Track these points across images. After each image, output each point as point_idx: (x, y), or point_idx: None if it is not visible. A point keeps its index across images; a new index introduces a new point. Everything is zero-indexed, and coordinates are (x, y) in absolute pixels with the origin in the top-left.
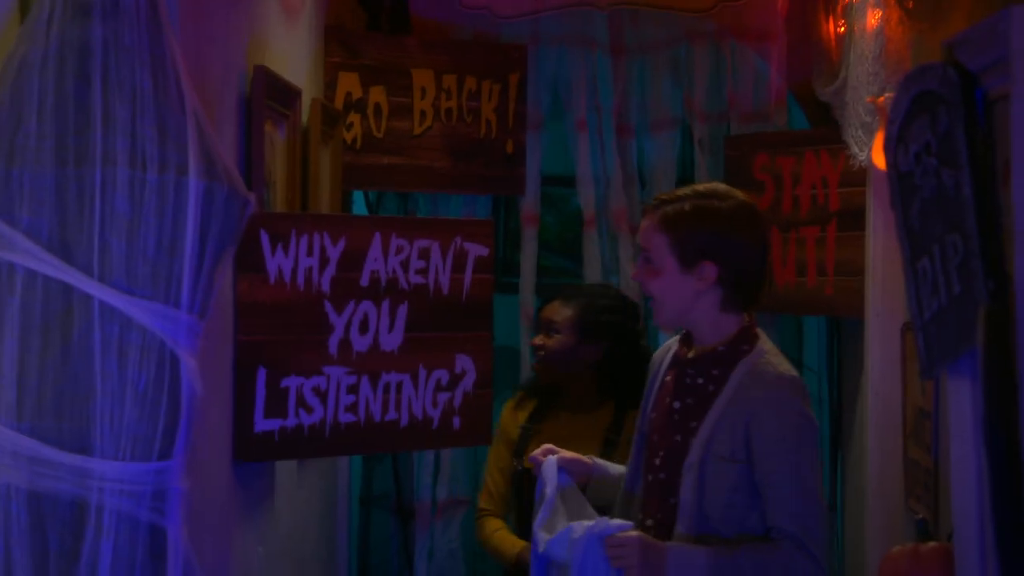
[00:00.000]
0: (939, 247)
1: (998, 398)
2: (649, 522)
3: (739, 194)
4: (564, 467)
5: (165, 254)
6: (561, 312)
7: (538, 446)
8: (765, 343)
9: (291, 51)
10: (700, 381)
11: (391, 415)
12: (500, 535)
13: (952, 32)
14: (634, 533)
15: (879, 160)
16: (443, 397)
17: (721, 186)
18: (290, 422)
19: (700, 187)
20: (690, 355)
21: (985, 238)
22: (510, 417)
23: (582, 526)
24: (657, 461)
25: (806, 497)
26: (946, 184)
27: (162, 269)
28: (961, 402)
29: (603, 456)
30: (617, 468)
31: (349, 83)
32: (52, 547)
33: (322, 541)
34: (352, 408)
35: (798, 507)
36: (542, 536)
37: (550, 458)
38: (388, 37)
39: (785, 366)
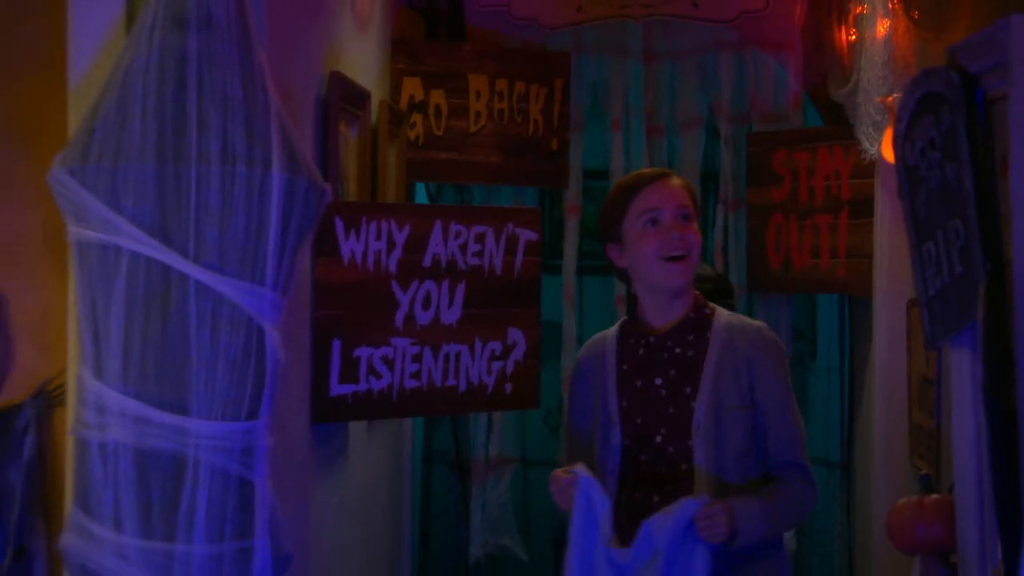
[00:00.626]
0: (943, 233)
1: (995, 366)
2: (656, 498)
3: None
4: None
5: (252, 239)
6: None
7: None
8: (713, 304)
9: (362, 59)
10: (679, 351)
11: (450, 381)
12: None
13: (954, 39)
14: (716, 502)
15: (888, 154)
16: (496, 366)
17: None
18: (361, 387)
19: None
20: (659, 332)
21: (984, 225)
22: None
23: (664, 518)
24: (658, 439)
25: (800, 436)
26: (949, 177)
27: (249, 252)
28: (962, 370)
29: None
30: None
31: (412, 87)
32: (155, 497)
33: (389, 494)
34: (416, 375)
35: (800, 443)
36: (617, 550)
37: (588, 476)
38: (446, 46)
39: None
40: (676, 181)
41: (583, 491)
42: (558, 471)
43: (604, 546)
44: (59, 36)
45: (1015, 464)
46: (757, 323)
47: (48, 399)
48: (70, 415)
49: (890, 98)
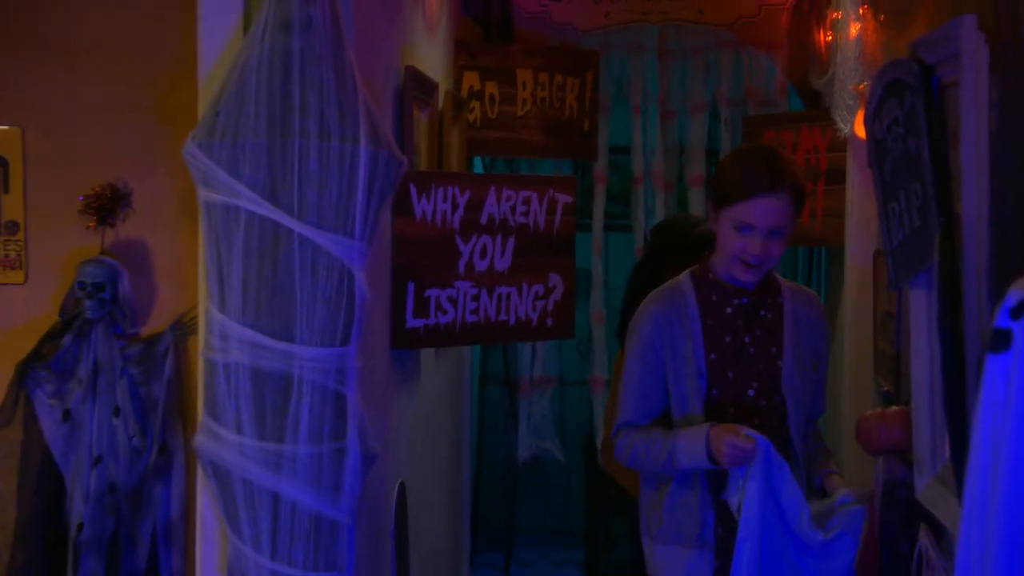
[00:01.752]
0: (905, 193)
1: (947, 301)
2: None
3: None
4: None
5: (343, 200)
6: None
7: None
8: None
9: (431, 56)
10: (762, 312)
11: (502, 316)
12: None
13: (914, 36)
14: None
15: (860, 131)
16: (539, 304)
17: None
18: (431, 321)
19: (768, 146)
20: (743, 294)
21: (939, 187)
22: None
23: (842, 519)
24: (751, 392)
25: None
26: (910, 148)
27: (341, 211)
28: (919, 305)
29: None
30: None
31: (471, 79)
32: (268, 407)
33: (452, 407)
34: (475, 311)
35: (824, 399)
36: (813, 532)
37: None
38: (498, 46)
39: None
40: (781, 199)
41: (764, 459)
42: (731, 434)
43: (797, 527)
44: (191, 41)
45: (962, 378)
46: (808, 288)
47: (184, 329)
48: (201, 341)
49: (861, 86)
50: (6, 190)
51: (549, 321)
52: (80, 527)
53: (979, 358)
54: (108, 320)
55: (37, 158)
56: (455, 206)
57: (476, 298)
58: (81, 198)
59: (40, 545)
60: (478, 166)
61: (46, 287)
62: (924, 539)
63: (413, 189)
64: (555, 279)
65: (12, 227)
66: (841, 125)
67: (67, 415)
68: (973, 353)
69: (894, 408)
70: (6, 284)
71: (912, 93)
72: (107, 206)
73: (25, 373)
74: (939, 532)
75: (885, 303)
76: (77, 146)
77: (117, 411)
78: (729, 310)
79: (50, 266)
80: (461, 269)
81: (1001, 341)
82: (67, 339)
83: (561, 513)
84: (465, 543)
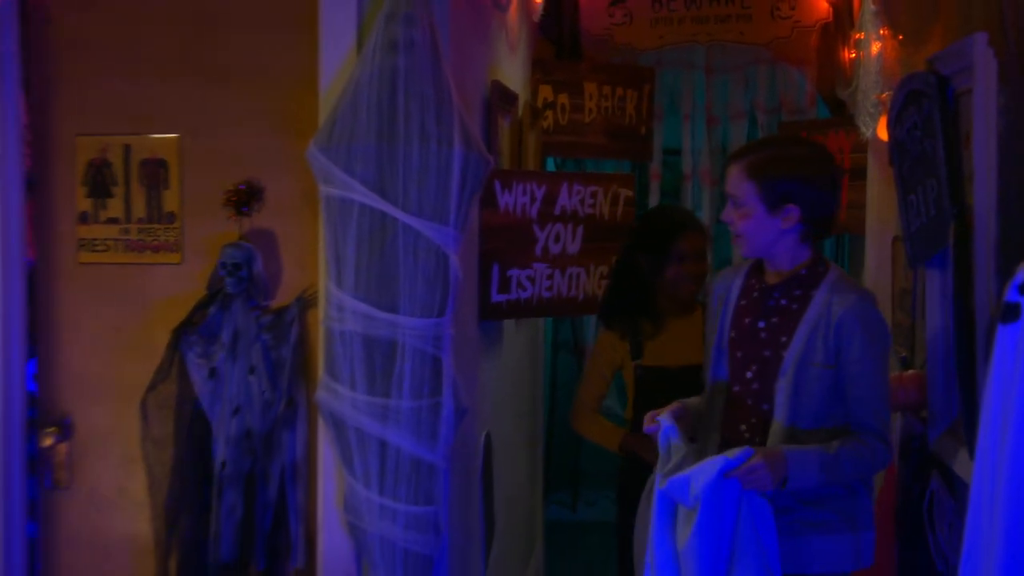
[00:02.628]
0: (921, 187)
1: (960, 279)
2: (743, 427)
3: (812, 140)
4: (679, 414)
5: (441, 194)
6: (704, 240)
7: (657, 350)
8: (836, 267)
9: (512, 71)
10: (784, 302)
11: (572, 293)
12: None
13: (928, 53)
14: (757, 456)
15: (883, 134)
16: (604, 281)
17: (796, 135)
18: (512, 296)
19: (780, 136)
20: (772, 281)
21: (952, 182)
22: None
23: (703, 472)
24: (749, 374)
25: (883, 400)
26: (927, 148)
27: (438, 203)
28: (934, 282)
29: None
30: (693, 399)
31: (545, 91)
32: (377, 368)
33: (529, 370)
34: (549, 288)
35: (879, 406)
36: (660, 478)
37: (664, 416)
38: (569, 63)
39: (858, 283)
40: (737, 167)
41: (664, 434)
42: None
43: (657, 471)
44: (314, 61)
45: (971, 344)
46: (861, 293)
47: (305, 302)
48: (321, 312)
49: (883, 95)
50: (166, 186)
51: None
52: (223, 465)
53: (987, 327)
54: (245, 294)
55: (190, 160)
56: (533, 199)
57: (550, 277)
58: (223, 193)
59: (193, 479)
60: (550, 165)
61: (197, 266)
62: (935, 483)
63: (498, 185)
64: (617, 260)
65: (171, 217)
66: (863, 130)
67: (212, 372)
68: (982, 323)
69: (910, 372)
70: (166, 264)
71: (929, 101)
72: (244, 200)
73: (179, 337)
74: (948, 477)
75: (902, 281)
76: (221, 150)
77: (252, 369)
78: (756, 294)
79: (201, 249)
80: (538, 252)
81: (1010, 313)
82: (212, 309)
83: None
84: (539, 483)
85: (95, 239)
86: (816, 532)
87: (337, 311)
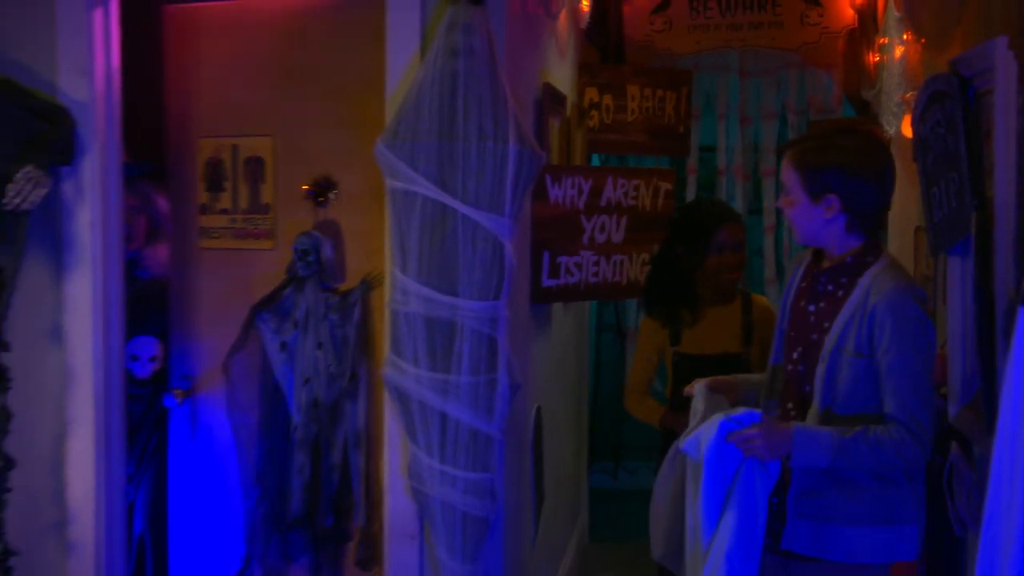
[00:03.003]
0: (944, 181)
1: (981, 266)
2: (790, 405)
3: (867, 132)
4: (712, 386)
5: (496, 187)
6: (742, 231)
7: (694, 338)
8: (888, 258)
9: (561, 75)
10: (831, 288)
11: (616, 278)
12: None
13: (949, 56)
14: (759, 426)
15: (907, 131)
16: (646, 268)
17: (855, 127)
18: (561, 281)
19: (833, 126)
20: (825, 267)
21: (973, 176)
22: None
23: (708, 429)
24: (795, 355)
25: (916, 390)
26: (949, 145)
27: (495, 195)
28: (955, 269)
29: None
30: (756, 376)
31: (591, 93)
32: (438, 346)
33: (576, 348)
34: (595, 274)
35: (908, 398)
36: (681, 439)
37: (698, 384)
38: (613, 67)
39: (905, 276)
40: (787, 161)
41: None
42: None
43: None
44: (381, 67)
45: (991, 326)
46: (899, 284)
47: (370, 285)
48: (386, 295)
49: (908, 95)
50: (263, 181)
51: None
52: (295, 429)
53: (1006, 310)
54: (316, 277)
55: (282, 158)
56: (580, 192)
57: (596, 264)
58: (303, 187)
59: (272, 440)
60: (595, 161)
61: (286, 252)
62: (954, 455)
63: (548, 179)
64: (657, 248)
65: (266, 208)
66: (887, 128)
67: (284, 346)
68: (1001, 306)
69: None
70: (262, 249)
71: (952, 101)
72: (320, 193)
73: (255, 314)
74: (967, 448)
75: (924, 268)
76: (305, 148)
77: (320, 345)
78: (811, 279)
79: (290, 236)
80: (585, 241)
81: None
82: (287, 290)
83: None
84: (584, 453)
85: (211, 227)
86: (842, 521)
87: (402, 294)
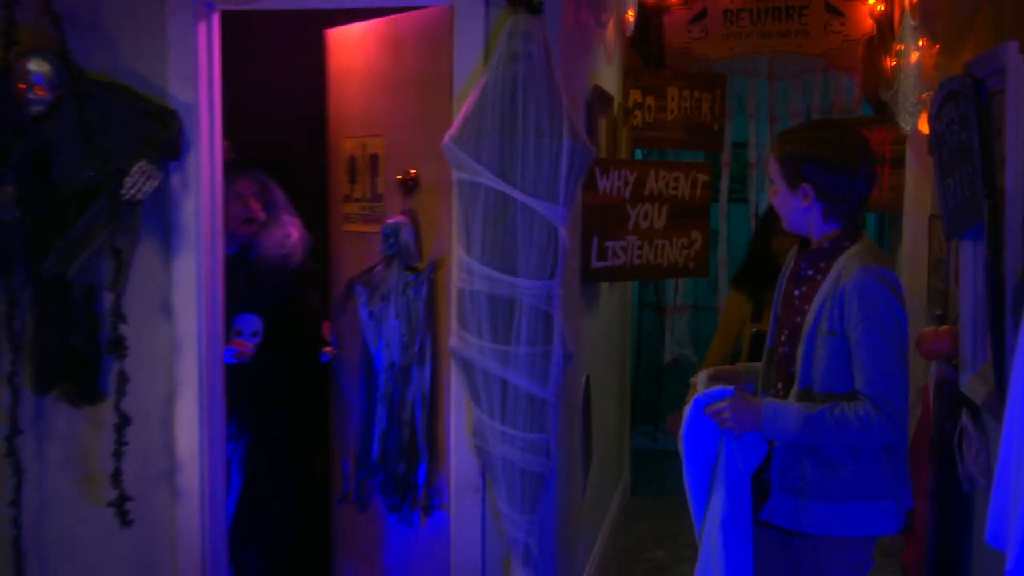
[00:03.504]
0: (958, 173)
1: (992, 249)
2: (779, 385)
3: (843, 125)
4: (714, 376)
5: (552, 178)
6: None
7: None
8: (864, 243)
9: (609, 78)
10: (811, 273)
11: (658, 261)
12: None
13: (963, 59)
14: (729, 401)
15: (924, 128)
16: (684, 252)
17: (836, 122)
18: (608, 263)
19: (817, 121)
20: (805, 252)
21: (985, 168)
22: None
23: (686, 408)
24: (783, 337)
25: (883, 369)
26: (963, 140)
27: (551, 185)
28: (967, 252)
29: None
30: (758, 364)
31: (635, 95)
32: (499, 321)
33: (620, 324)
34: (639, 257)
35: (874, 375)
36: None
37: (701, 374)
38: (654, 71)
39: (874, 259)
40: (774, 156)
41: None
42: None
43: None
44: (449, 70)
45: (1001, 304)
46: (866, 266)
47: (437, 265)
48: (453, 275)
49: (924, 95)
50: (378, 174)
51: (690, 264)
52: (377, 387)
53: (1015, 288)
54: (399, 257)
55: (390, 154)
56: (626, 183)
57: (640, 247)
58: (395, 179)
59: (362, 392)
60: (639, 155)
61: None
62: (965, 419)
63: (597, 171)
64: (695, 234)
65: (379, 197)
66: (903, 126)
67: (371, 314)
68: (1010, 285)
69: (945, 327)
70: (374, 232)
71: (966, 100)
72: (408, 184)
73: (352, 285)
74: (976, 414)
75: (937, 252)
76: (403, 145)
77: (398, 316)
78: (794, 264)
79: None
80: (630, 227)
81: None
82: (378, 267)
83: None
84: (627, 417)
85: (350, 214)
86: (820, 496)
87: (467, 274)
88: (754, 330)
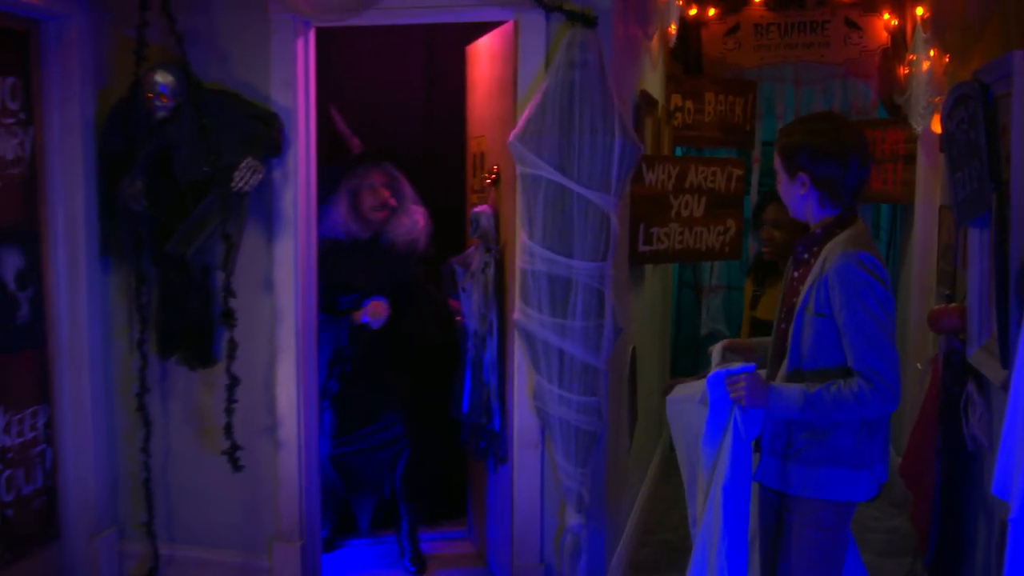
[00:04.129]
0: (967, 167)
1: (998, 236)
2: (783, 362)
3: (836, 117)
4: (728, 347)
5: (605, 171)
6: (780, 211)
7: (767, 304)
8: (854, 229)
9: (654, 83)
10: (806, 256)
11: (697, 245)
12: None
13: (972, 68)
14: (748, 378)
15: (936, 128)
16: (720, 238)
17: (831, 115)
18: (653, 247)
19: (814, 114)
20: (807, 239)
21: (992, 164)
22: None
23: (709, 379)
24: (782, 316)
25: (870, 345)
26: (972, 138)
27: (604, 178)
28: (975, 238)
29: None
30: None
31: (676, 99)
32: (557, 297)
33: (662, 302)
34: (680, 242)
35: (863, 352)
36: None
37: (718, 345)
38: (693, 78)
39: (857, 244)
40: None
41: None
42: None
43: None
44: (513, 76)
45: (1006, 284)
46: (849, 251)
47: (502, 248)
48: (516, 257)
49: (936, 99)
50: (483, 169)
51: (725, 249)
52: (466, 350)
53: (1019, 269)
54: (483, 240)
55: (488, 151)
56: (669, 176)
57: (681, 234)
58: (494, 170)
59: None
60: (679, 152)
61: None
62: (970, 386)
63: (644, 165)
64: (730, 222)
65: (484, 188)
66: (915, 127)
67: (464, 289)
68: (1015, 267)
69: (953, 304)
70: None
71: (974, 102)
72: (494, 179)
73: (450, 266)
74: (980, 381)
75: (946, 238)
76: (494, 143)
77: (477, 291)
78: (795, 249)
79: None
80: (673, 215)
81: None
82: (471, 249)
83: None
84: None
85: (472, 203)
86: (798, 460)
87: (529, 256)
88: (752, 317)
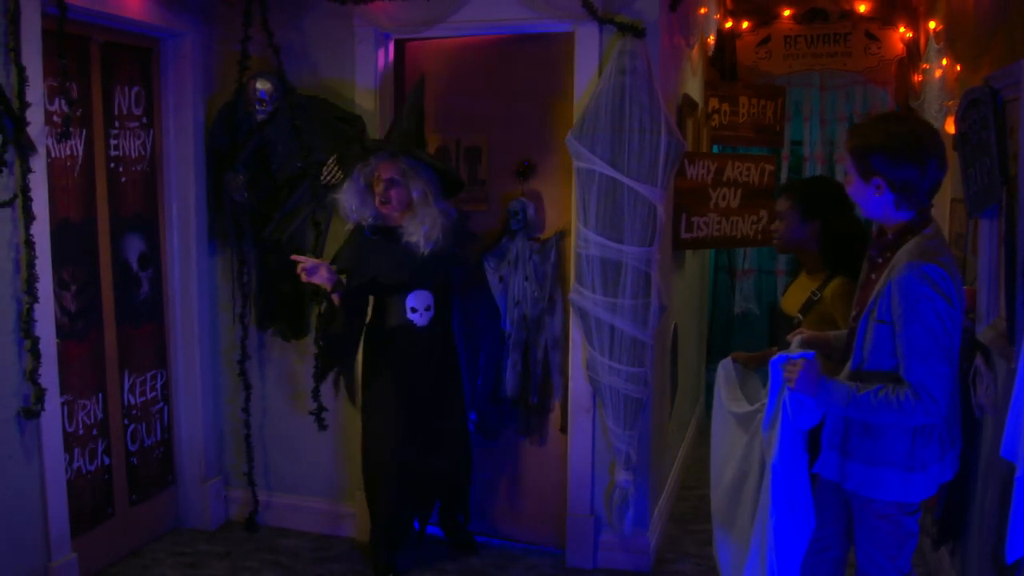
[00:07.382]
0: (979, 164)
1: (1008, 225)
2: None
3: (915, 119)
4: (808, 340)
5: (652, 165)
6: (783, 203)
7: (789, 298)
8: (924, 236)
9: (694, 88)
10: (880, 260)
11: (732, 233)
12: None
13: (982, 75)
14: (806, 360)
15: (949, 128)
16: (753, 226)
17: (904, 115)
18: (694, 235)
19: (887, 114)
20: (881, 242)
21: (1001, 160)
22: None
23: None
24: (853, 315)
25: (922, 360)
26: (983, 137)
27: (652, 172)
28: (984, 228)
29: (803, 308)
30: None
31: (713, 102)
32: (609, 278)
33: (700, 283)
34: (718, 230)
35: (913, 365)
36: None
37: (798, 336)
38: (729, 83)
39: (924, 256)
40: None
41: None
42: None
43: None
44: (570, 82)
45: (1014, 268)
46: (911, 261)
47: (560, 236)
48: (572, 243)
49: (949, 103)
50: (480, 163)
51: (758, 236)
52: (508, 336)
53: None
54: (524, 230)
55: (494, 148)
56: (708, 171)
57: (719, 223)
58: (513, 167)
59: (492, 344)
60: (716, 150)
61: (497, 213)
62: (978, 360)
63: (686, 161)
64: (762, 212)
65: (482, 182)
66: None
67: (501, 279)
68: (1021, 253)
69: (964, 287)
70: (479, 211)
71: (985, 105)
72: (524, 171)
73: (481, 257)
74: (987, 357)
75: (958, 228)
76: (512, 140)
77: (527, 277)
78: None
79: (498, 201)
80: (711, 206)
81: None
82: (504, 239)
83: (759, 342)
84: (703, 356)
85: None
86: (856, 458)
87: (584, 242)
88: (775, 306)
